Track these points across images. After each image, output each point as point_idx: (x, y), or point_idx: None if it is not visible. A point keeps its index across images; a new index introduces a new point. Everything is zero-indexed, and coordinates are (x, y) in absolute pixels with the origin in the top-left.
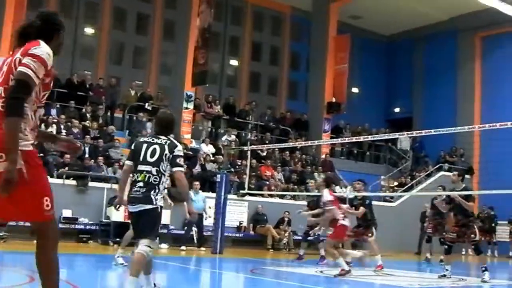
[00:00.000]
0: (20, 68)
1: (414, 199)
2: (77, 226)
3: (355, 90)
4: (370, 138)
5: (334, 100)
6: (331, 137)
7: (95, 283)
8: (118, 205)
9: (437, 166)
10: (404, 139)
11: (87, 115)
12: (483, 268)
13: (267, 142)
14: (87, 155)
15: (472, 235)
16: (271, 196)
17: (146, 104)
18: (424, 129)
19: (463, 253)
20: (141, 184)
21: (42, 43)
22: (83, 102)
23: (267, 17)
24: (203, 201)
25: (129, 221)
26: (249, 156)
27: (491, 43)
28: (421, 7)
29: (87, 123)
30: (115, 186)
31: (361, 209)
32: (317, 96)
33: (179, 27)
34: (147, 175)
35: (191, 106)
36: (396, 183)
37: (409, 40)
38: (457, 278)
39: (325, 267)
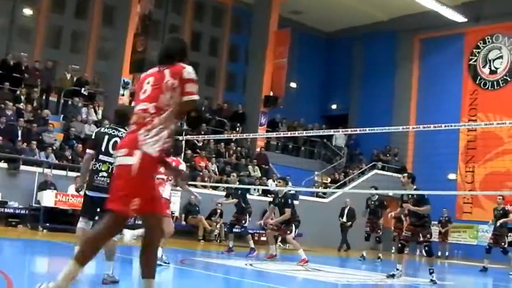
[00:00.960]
0: (191, 97)
1: (346, 196)
2: (6, 210)
3: (293, 84)
4: (305, 134)
5: (271, 94)
6: (267, 131)
7: (23, 268)
8: (80, 189)
9: (370, 164)
10: (339, 136)
11: (21, 97)
12: (431, 270)
13: (202, 133)
14: (19, 138)
15: (428, 236)
16: (204, 187)
17: (82, 89)
18: (360, 127)
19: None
20: (104, 174)
21: (187, 66)
22: (17, 84)
23: (208, 7)
24: None
25: (60, 206)
26: (183, 146)
27: (430, 45)
28: (362, 6)
29: (21, 105)
30: (47, 171)
31: (287, 211)
32: (255, 89)
33: (119, 12)
34: (110, 166)
35: (127, 92)
36: (329, 180)
37: (349, 38)
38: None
39: (254, 260)
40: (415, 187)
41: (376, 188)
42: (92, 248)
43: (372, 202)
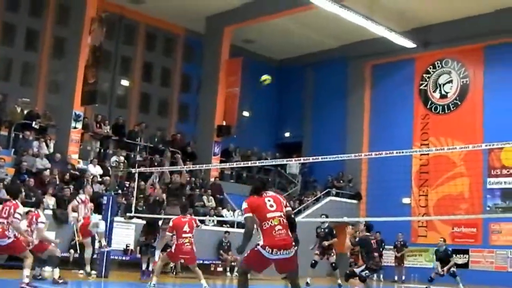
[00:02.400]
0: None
1: (301, 224)
2: None
3: (246, 113)
4: (258, 163)
5: (224, 123)
6: (221, 161)
7: None
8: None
9: (325, 191)
10: (293, 164)
11: None
12: None
13: (156, 164)
14: None
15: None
16: (159, 219)
17: (34, 122)
18: (314, 154)
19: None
20: None
21: None
22: None
23: (160, 38)
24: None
25: None
26: (136, 178)
27: (381, 71)
28: (312, 34)
29: None
30: None
31: None
32: (208, 119)
33: (70, 44)
34: None
35: (79, 125)
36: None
37: (300, 65)
38: None
39: None
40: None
41: (326, 216)
42: None
43: (322, 230)
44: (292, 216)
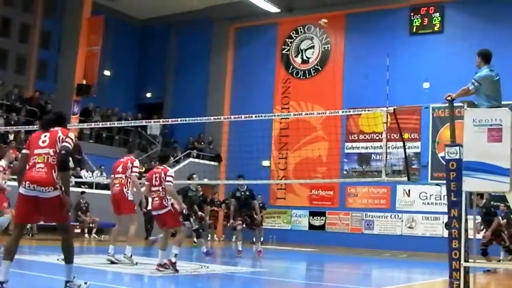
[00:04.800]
0: None
1: None
2: None
3: (106, 73)
4: (119, 124)
5: (84, 82)
6: (80, 120)
7: None
8: None
9: (186, 153)
10: (154, 125)
11: None
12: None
13: (13, 123)
14: None
15: None
16: (14, 179)
17: None
18: (175, 115)
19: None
20: None
21: None
22: None
23: None
24: None
25: None
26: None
27: (244, 35)
28: None
29: None
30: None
31: None
32: (67, 77)
33: None
34: None
35: None
36: (144, 169)
37: (164, 26)
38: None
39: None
40: None
41: (243, 178)
42: None
43: (242, 193)
44: None
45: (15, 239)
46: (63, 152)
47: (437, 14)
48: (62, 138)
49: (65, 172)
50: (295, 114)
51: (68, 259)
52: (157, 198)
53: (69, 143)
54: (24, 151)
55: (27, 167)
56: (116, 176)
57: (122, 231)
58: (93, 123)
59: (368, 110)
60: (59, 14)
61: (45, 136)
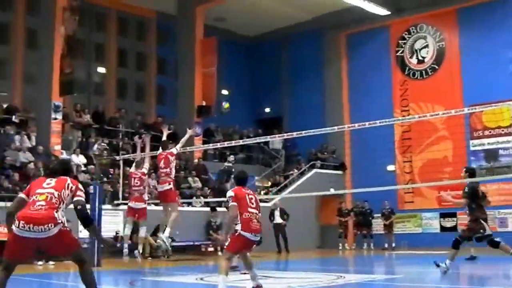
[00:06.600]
0: None
1: (287, 198)
2: None
3: (224, 92)
4: (242, 142)
5: (204, 103)
6: (203, 141)
7: None
8: None
9: (309, 164)
10: (276, 139)
11: None
12: None
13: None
14: None
15: None
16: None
17: (13, 116)
18: (295, 128)
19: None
20: None
21: None
22: None
23: (132, 22)
24: None
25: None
26: (121, 165)
27: (356, 41)
28: (284, 8)
29: None
30: (23, 196)
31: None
32: (187, 100)
33: (43, 35)
34: None
35: (59, 116)
36: (270, 183)
37: (274, 40)
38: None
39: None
40: None
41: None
42: None
43: None
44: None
45: (3, 277)
46: (79, 207)
47: None
48: (72, 188)
49: (91, 226)
50: (420, 116)
51: None
52: None
53: (82, 196)
54: (21, 195)
55: (24, 207)
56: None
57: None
58: (218, 144)
59: (495, 105)
60: (172, 39)
61: (51, 180)
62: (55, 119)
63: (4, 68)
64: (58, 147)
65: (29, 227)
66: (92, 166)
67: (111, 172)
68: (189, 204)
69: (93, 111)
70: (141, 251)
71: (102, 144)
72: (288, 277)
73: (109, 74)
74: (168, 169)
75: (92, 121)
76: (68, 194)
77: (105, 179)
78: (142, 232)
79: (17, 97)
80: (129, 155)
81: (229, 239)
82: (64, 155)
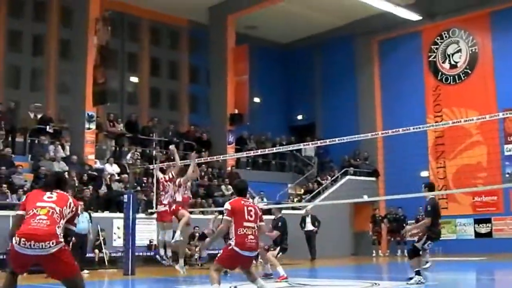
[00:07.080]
0: None
1: (321, 206)
2: None
3: (256, 99)
4: (275, 149)
5: (236, 111)
6: (236, 149)
7: None
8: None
9: (342, 171)
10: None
11: None
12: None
13: (172, 157)
14: None
15: None
16: None
17: (47, 126)
18: (327, 134)
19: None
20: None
21: None
22: None
23: (164, 32)
24: (87, 221)
25: None
26: (155, 174)
27: (388, 46)
28: (316, 14)
29: None
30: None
31: (275, 232)
32: (219, 108)
33: (76, 46)
34: None
35: (93, 126)
36: (303, 190)
37: (306, 47)
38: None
39: (237, 281)
40: None
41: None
42: None
43: None
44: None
45: (12, 280)
46: (69, 239)
47: None
48: (73, 208)
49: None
50: (454, 122)
51: None
52: None
53: (76, 224)
54: (19, 212)
55: (24, 222)
56: None
57: None
58: (252, 152)
59: None
60: (204, 48)
61: (51, 193)
62: (89, 129)
63: (39, 79)
64: (91, 157)
65: (30, 245)
66: (126, 175)
67: (145, 181)
68: (222, 212)
69: (126, 121)
70: (169, 255)
71: (136, 153)
72: (323, 285)
73: (141, 83)
74: (163, 192)
75: (125, 130)
76: (68, 213)
77: (138, 188)
78: (167, 236)
79: (51, 108)
80: (162, 164)
81: (221, 251)
82: (98, 165)
